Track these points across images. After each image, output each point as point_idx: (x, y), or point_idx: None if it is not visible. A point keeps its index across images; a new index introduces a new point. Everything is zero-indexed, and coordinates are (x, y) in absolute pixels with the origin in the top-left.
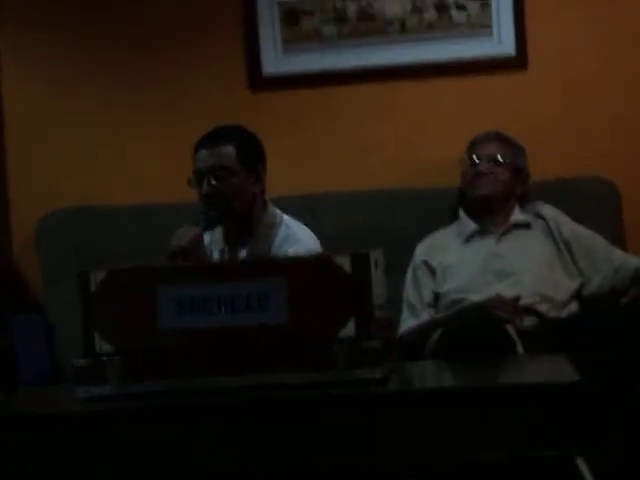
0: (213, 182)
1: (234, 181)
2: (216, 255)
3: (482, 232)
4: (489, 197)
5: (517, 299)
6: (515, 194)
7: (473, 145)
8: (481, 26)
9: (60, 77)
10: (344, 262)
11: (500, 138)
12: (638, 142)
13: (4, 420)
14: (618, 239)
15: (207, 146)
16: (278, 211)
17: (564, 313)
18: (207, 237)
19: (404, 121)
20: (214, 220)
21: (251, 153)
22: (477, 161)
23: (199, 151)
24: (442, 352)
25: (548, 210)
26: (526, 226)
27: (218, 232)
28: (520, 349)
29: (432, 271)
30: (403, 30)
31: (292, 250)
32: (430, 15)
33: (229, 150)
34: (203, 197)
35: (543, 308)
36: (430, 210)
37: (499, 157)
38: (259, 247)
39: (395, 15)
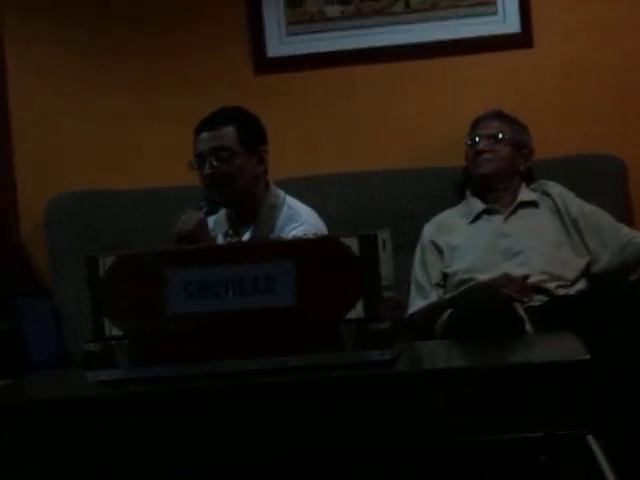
0: (215, 163)
1: (236, 162)
2: (220, 238)
3: (489, 211)
4: (491, 175)
5: (525, 278)
6: (518, 170)
7: (474, 125)
8: (486, 4)
9: (64, 63)
10: (352, 243)
11: (500, 116)
12: None
13: (15, 405)
14: (625, 216)
15: (207, 128)
16: (281, 192)
17: (573, 291)
18: (211, 220)
19: (409, 101)
20: (216, 204)
21: (252, 134)
22: (477, 140)
23: (200, 134)
24: (451, 332)
25: (555, 188)
26: (533, 205)
27: (222, 215)
28: (529, 327)
29: (440, 251)
30: (407, 9)
31: (295, 230)
32: None
33: (229, 131)
34: (205, 179)
35: (551, 286)
36: (437, 190)
37: (498, 134)
38: (263, 228)
39: None
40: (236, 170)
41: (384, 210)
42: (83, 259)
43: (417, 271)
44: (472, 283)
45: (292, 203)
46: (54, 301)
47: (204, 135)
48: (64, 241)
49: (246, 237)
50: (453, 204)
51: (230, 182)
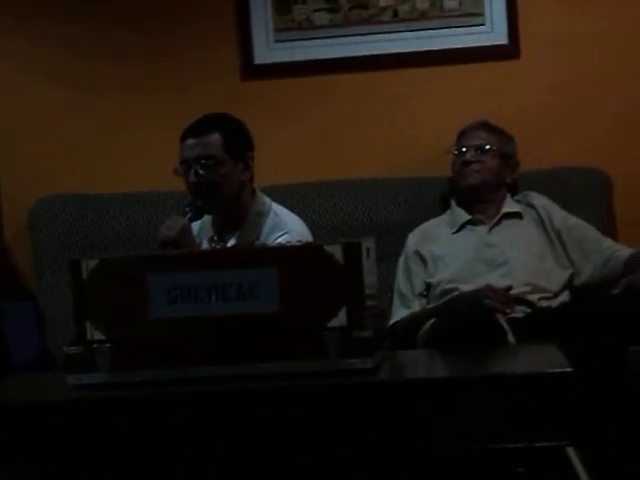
0: (200, 171)
1: (221, 170)
2: (205, 244)
3: (474, 222)
4: (478, 186)
5: (508, 289)
6: (505, 182)
7: (461, 135)
8: (473, 15)
9: (51, 65)
10: (336, 251)
11: (487, 127)
12: (630, 132)
13: None
14: (609, 229)
15: (193, 135)
16: (267, 199)
17: (555, 303)
18: (196, 226)
19: (396, 110)
20: (201, 210)
21: (238, 141)
22: (464, 150)
23: (185, 140)
24: (433, 342)
25: (539, 200)
26: (518, 216)
27: (207, 221)
28: (511, 339)
29: (423, 261)
30: (395, 18)
31: (281, 238)
32: (422, 3)
33: (215, 139)
34: (190, 187)
35: (534, 298)
36: (421, 199)
37: (486, 145)
38: (248, 235)
39: (387, 3)
40: (221, 178)
41: (367, 219)
42: (66, 262)
43: (400, 280)
44: (455, 293)
45: (278, 210)
46: (37, 303)
47: (190, 142)
48: (48, 243)
49: (231, 244)
50: (437, 214)
51: (215, 190)
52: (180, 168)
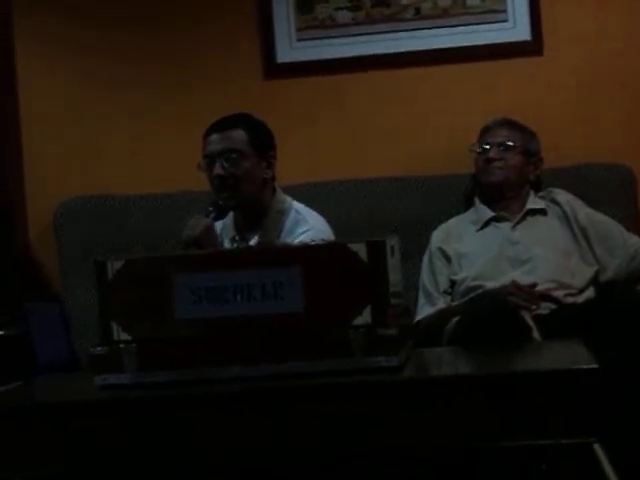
0: (225, 165)
1: (246, 164)
2: (227, 243)
3: (498, 219)
4: (501, 184)
5: (533, 285)
6: (528, 179)
7: (483, 132)
8: (496, 11)
9: (73, 68)
10: (360, 249)
11: (510, 124)
12: None
13: (23, 408)
14: (634, 225)
15: (218, 130)
16: (288, 197)
17: (581, 299)
18: (219, 226)
19: (419, 107)
20: (224, 209)
21: (262, 138)
22: (487, 148)
23: (210, 135)
24: (458, 339)
25: (563, 196)
26: (542, 213)
27: (229, 220)
28: (536, 335)
29: (448, 258)
30: (418, 16)
31: (303, 235)
32: (444, 0)
33: (240, 134)
34: (214, 180)
35: (559, 294)
36: (445, 197)
37: (509, 142)
38: (269, 233)
39: (409, 1)
40: (245, 172)
41: (391, 217)
42: (92, 263)
43: (425, 278)
44: (480, 291)
45: (299, 208)
46: (63, 304)
47: (214, 137)
48: (73, 245)
49: (253, 243)
50: (460, 212)
51: (238, 185)
52: (203, 162)
